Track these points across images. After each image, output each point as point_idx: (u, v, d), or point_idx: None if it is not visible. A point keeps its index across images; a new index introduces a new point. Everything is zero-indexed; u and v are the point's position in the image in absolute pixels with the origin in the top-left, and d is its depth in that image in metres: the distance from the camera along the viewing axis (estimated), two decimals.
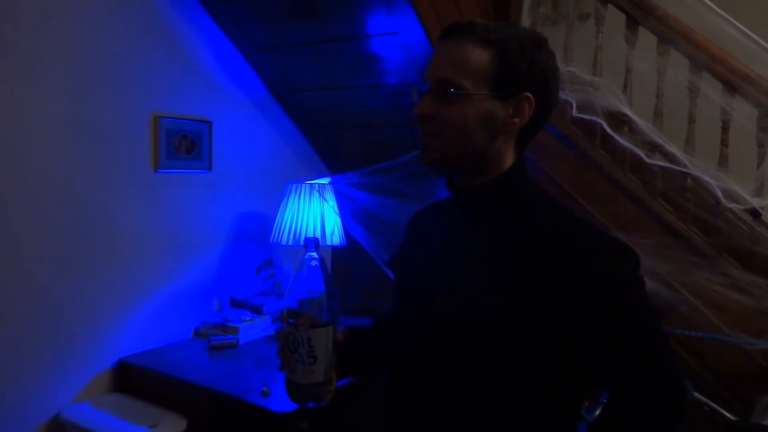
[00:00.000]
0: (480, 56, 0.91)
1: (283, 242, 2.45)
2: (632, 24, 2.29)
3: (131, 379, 2.18)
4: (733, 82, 2.11)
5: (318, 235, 2.48)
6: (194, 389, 1.96)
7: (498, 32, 0.92)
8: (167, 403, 2.01)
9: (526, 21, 2.45)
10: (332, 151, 2.98)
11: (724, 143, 2.18)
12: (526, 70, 0.92)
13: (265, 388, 1.87)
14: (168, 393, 2.04)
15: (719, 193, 2.10)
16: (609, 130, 2.25)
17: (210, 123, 2.45)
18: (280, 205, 2.54)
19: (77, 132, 2.03)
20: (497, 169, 0.97)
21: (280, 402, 1.81)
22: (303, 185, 2.52)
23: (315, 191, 2.52)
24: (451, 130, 0.93)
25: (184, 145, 2.36)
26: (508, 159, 0.97)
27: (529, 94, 0.92)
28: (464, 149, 0.94)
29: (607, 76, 2.34)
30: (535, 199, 0.99)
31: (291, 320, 0.97)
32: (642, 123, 2.24)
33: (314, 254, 0.99)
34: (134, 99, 2.19)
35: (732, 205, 2.10)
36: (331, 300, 0.99)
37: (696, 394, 1.91)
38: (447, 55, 0.93)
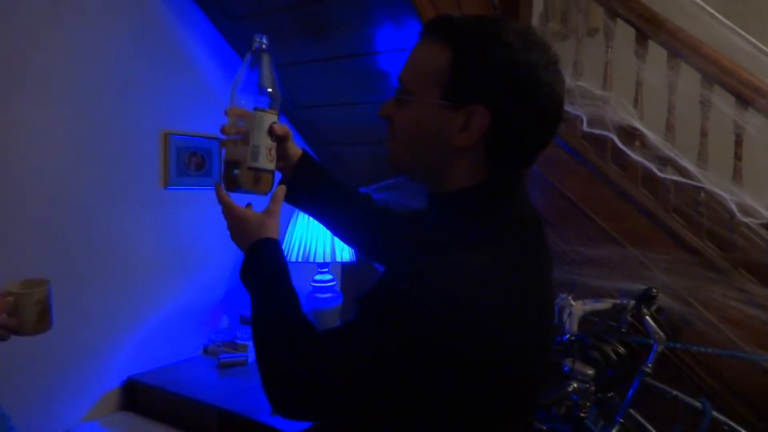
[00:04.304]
0: (436, 57, 0.78)
1: (293, 259, 2.44)
2: (642, 38, 2.29)
3: (140, 398, 2.16)
4: (745, 94, 2.09)
5: (328, 252, 2.46)
6: (203, 408, 1.94)
7: (466, 29, 0.78)
8: (176, 422, 1.99)
9: None
10: (340, 167, 2.97)
11: (738, 157, 2.16)
12: (483, 76, 0.76)
13: None
14: (177, 412, 2.02)
15: (734, 208, 2.08)
16: (620, 145, 2.24)
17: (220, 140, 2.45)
18: (289, 222, 2.53)
19: (87, 150, 2.04)
20: (451, 187, 0.82)
21: (289, 421, 1.79)
22: None
23: None
24: (400, 135, 0.84)
25: (194, 161, 2.36)
26: (466, 178, 0.81)
27: (480, 106, 0.76)
28: (411, 157, 0.84)
29: (617, 91, 2.33)
30: (468, 233, 0.79)
31: (263, 104, 1.03)
32: (654, 137, 2.22)
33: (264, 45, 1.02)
34: (144, 116, 2.20)
35: (747, 220, 2.08)
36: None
37: (715, 413, 1.87)
38: (411, 55, 0.84)
